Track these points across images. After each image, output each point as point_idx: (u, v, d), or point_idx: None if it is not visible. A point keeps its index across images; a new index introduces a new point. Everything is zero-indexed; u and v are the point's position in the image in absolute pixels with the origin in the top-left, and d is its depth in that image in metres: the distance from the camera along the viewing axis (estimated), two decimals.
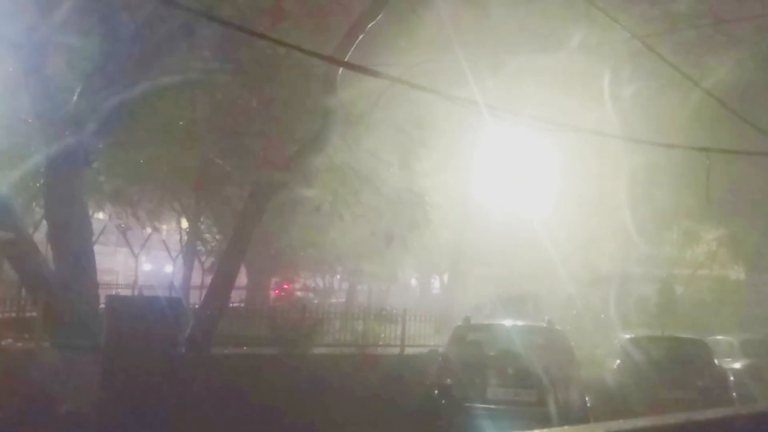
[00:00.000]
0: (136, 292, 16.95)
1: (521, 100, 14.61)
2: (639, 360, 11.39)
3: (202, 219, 18.47)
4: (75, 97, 10.91)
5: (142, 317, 10.06)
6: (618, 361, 11.92)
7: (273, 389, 10.50)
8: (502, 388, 8.98)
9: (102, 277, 21.53)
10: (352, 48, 11.39)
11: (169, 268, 23.32)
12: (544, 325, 10.40)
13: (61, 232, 10.74)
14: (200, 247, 19.65)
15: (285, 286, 25.32)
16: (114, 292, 14.39)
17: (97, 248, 21.72)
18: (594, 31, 12.64)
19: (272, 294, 22.92)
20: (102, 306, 11.08)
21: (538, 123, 10.25)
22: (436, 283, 34.12)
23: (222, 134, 14.39)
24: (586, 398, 9.29)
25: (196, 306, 13.05)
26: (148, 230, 20.32)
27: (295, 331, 12.44)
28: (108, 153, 13.05)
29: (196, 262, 19.08)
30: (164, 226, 23.76)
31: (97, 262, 11.54)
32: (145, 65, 11.43)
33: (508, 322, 10.38)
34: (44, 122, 10.61)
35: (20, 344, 10.40)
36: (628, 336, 12.76)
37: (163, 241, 21.29)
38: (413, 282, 36.45)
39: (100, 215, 19.53)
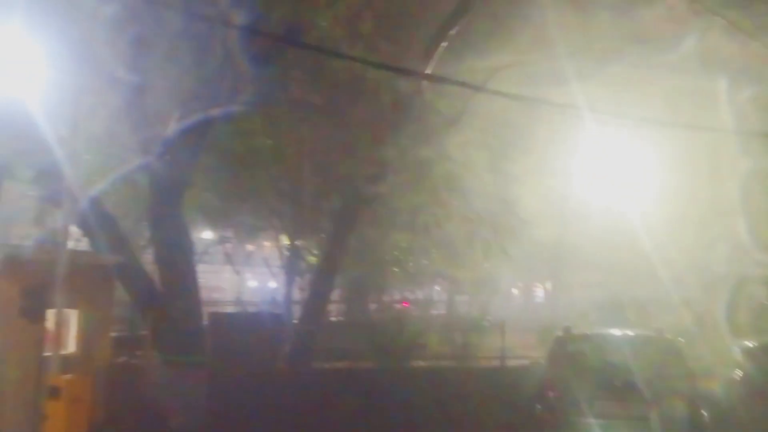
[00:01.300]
0: (239, 309, 17.47)
1: (621, 100, 13.97)
2: (764, 370, 10.50)
3: (300, 235, 18.82)
4: (172, 123, 11.44)
5: (243, 333, 10.34)
6: (739, 372, 11.03)
7: (372, 403, 10.48)
8: (610, 402, 8.48)
9: (210, 295, 22.52)
10: (436, 56, 11.34)
11: (272, 285, 23.97)
12: (654, 334, 9.76)
13: (166, 252, 11.24)
14: (300, 263, 20.02)
15: (404, 304, 25.38)
16: (218, 310, 14.87)
17: (204, 267, 22.68)
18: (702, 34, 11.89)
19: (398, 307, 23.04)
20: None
21: (643, 122, 9.78)
22: (539, 292, 33.30)
23: (314, 152, 14.67)
24: (703, 412, 8.61)
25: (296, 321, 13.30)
26: (250, 248, 20.94)
27: (393, 344, 12.41)
28: (207, 175, 13.57)
29: (297, 278, 19.45)
30: (266, 243, 24.46)
31: (204, 280, 12.00)
32: (238, 89, 11.84)
33: (613, 331, 9.82)
34: (145, 149, 11.17)
35: (133, 361, 10.93)
36: (750, 344, 11.79)
37: (265, 258, 21.89)
38: (515, 291, 35.69)
39: (206, 235, 20.37)
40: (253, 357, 10.23)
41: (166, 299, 11.00)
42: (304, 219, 17.23)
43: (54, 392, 8.47)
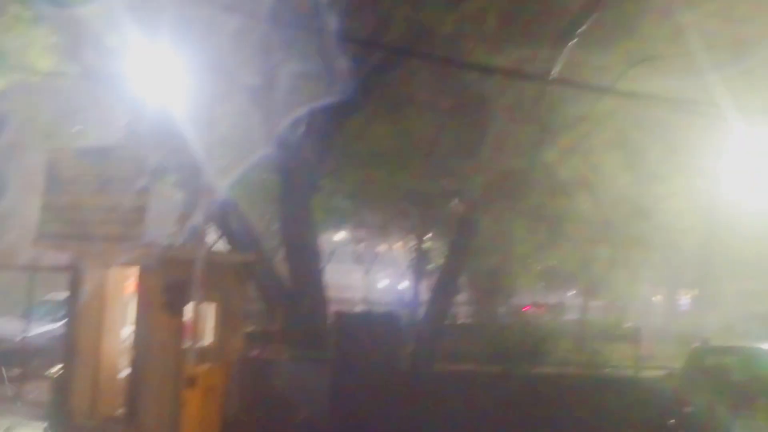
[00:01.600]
0: (365, 309, 17.84)
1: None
2: None
3: (426, 236, 18.97)
4: (301, 126, 11.93)
5: (366, 332, 10.56)
6: None
7: (495, 408, 10.31)
8: (749, 422, 7.79)
9: (341, 294, 23.21)
10: (564, 55, 10.98)
11: (402, 285, 24.30)
12: None
13: (295, 252, 11.72)
14: (427, 264, 20.19)
15: (528, 307, 24.89)
16: (343, 308, 15.24)
17: (336, 266, 23.43)
18: None
19: (524, 310, 22.68)
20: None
21: None
22: (684, 300, 31.15)
23: (440, 152, 14.70)
24: None
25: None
26: (381, 248, 21.35)
27: (518, 348, 12.13)
28: (336, 176, 14.01)
29: (425, 279, 19.61)
30: (399, 244, 24.86)
31: (336, 279, 12.39)
32: (364, 91, 12.13)
33: (758, 346, 8.99)
34: (275, 152, 11.71)
35: (265, 355, 11.49)
36: None
37: (392, 259, 22.24)
38: (658, 298, 33.62)
39: (338, 236, 21.08)
40: (376, 356, 10.40)
41: (294, 297, 11.47)
42: (431, 220, 17.35)
43: (191, 382, 9.09)
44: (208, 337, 10.49)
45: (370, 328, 10.77)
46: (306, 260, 11.75)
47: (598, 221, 14.97)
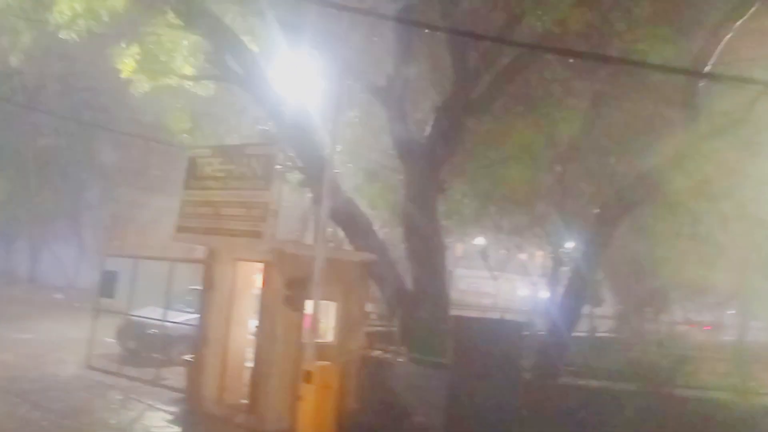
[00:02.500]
0: (486, 315, 17.32)
1: None
2: None
3: (563, 241, 18.10)
4: (428, 126, 11.78)
5: (486, 339, 10.19)
6: None
7: (626, 429, 9.55)
8: None
9: (470, 299, 22.87)
10: (716, 52, 10.00)
11: (536, 293, 23.46)
12: None
13: (418, 254, 11.59)
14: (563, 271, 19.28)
15: (692, 325, 23.13)
16: (465, 314, 14.89)
17: (467, 272, 23.06)
18: None
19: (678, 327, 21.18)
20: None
21: None
22: None
23: (580, 152, 13.96)
24: None
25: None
26: (514, 254, 20.70)
27: (660, 366, 11.20)
28: (465, 178, 13.70)
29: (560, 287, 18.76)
30: (534, 250, 24.04)
31: (466, 284, 12.12)
32: (495, 89, 11.78)
33: None
34: (403, 154, 11.65)
35: (386, 355, 11.45)
36: None
37: (526, 265, 21.48)
38: None
39: (469, 240, 20.70)
40: (496, 364, 10.02)
41: (415, 299, 11.34)
42: (568, 224, 16.51)
43: (308, 377, 9.22)
44: (328, 335, 10.64)
45: (490, 335, 10.39)
46: (429, 263, 11.58)
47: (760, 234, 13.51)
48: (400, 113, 11.63)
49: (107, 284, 13.29)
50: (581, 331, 16.49)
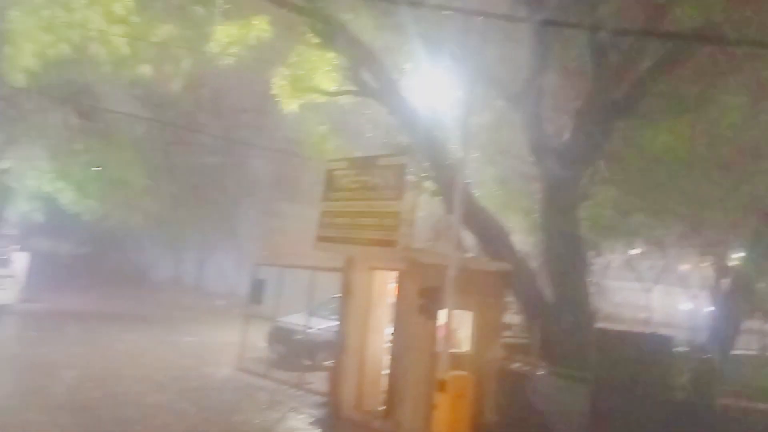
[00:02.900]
0: (632, 328, 16.23)
1: None
2: None
3: (725, 252, 16.62)
4: (567, 131, 11.35)
5: (633, 354, 9.61)
6: None
7: None
8: None
9: (634, 314, 21.58)
10: None
11: (694, 306, 21.71)
12: None
13: (556, 263, 11.18)
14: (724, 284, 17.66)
15: None
16: (610, 326, 14.02)
17: (629, 284, 21.77)
18: None
19: None
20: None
21: None
22: None
23: (741, 155, 12.79)
24: None
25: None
26: (669, 264, 19.33)
27: None
28: (609, 184, 13.05)
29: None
30: (693, 261, 22.30)
31: (630, 298, 11.51)
32: (638, 92, 11.13)
33: None
34: (540, 160, 11.31)
35: (525, 368, 11.13)
36: None
37: (686, 277, 19.95)
38: None
39: (631, 250, 19.58)
40: (643, 380, 9.41)
41: (555, 310, 10.94)
42: (728, 233, 15.18)
43: (442, 386, 9.18)
44: (464, 345, 10.53)
45: (637, 350, 9.78)
46: (568, 273, 11.13)
47: None
48: (536, 118, 11.32)
49: (256, 291, 14.07)
50: (746, 348, 15.03)
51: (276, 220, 28.01)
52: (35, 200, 23.59)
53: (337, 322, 11.69)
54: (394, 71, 12.09)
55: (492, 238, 11.30)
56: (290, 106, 13.16)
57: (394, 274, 10.52)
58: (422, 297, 9.86)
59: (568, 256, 11.25)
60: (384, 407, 10.34)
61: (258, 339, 14.58)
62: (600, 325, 12.38)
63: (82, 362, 13.20)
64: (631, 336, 11.31)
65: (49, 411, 9.35)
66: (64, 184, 22.68)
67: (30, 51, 10.05)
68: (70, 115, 20.06)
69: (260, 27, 12.52)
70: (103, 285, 28.16)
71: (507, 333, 11.88)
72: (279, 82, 12.68)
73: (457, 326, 10.33)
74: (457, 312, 9.76)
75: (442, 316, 9.66)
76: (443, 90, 11.44)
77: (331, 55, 12.39)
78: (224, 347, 15.47)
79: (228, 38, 12.51)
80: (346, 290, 11.28)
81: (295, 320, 14.13)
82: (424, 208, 12.11)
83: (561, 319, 10.75)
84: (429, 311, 9.89)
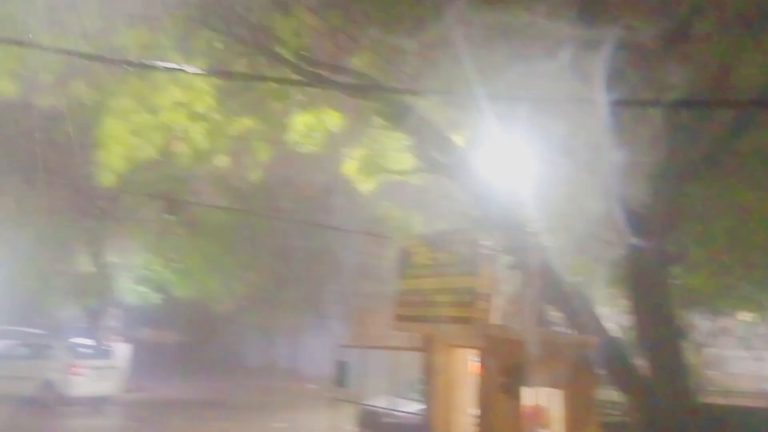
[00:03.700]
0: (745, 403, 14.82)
1: None
2: None
3: None
4: (650, 192, 10.91)
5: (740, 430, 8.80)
6: None
7: None
8: None
9: (759, 386, 19.79)
10: None
11: None
12: None
13: (648, 334, 10.52)
14: None
15: None
16: (720, 400, 12.87)
17: (733, 352, 20.11)
18: None
19: None
20: None
21: None
22: None
23: None
24: None
25: None
26: None
27: None
28: (703, 244, 12.34)
29: None
30: None
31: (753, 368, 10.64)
32: (717, 151, 10.64)
33: None
34: (621, 226, 10.88)
35: None
36: None
37: None
38: None
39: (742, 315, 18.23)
40: None
41: (650, 384, 10.22)
42: None
43: None
44: (554, 425, 9.98)
45: (747, 426, 8.95)
46: (662, 343, 10.42)
47: None
48: (612, 185, 10.97)
49: (341, 374, 14.02)
50: None
51: (361, 300, 28.17)
52: (135, 291, 24.94)
53: (422, 405, 11.41)
54: (463, 146, 12.15)
55: (576, 309, 10.82)
56: (365, 186, 13.42)
57: (475, 352, 10.23)
58: (504, 375, 9.50)
59: (659, 324, 10.58)
60: None
61: (346, 423, 14.40)
62: (707, 399, 11.48)
63: None
64: (739, 411, 10.39)
65: None
66: (161, 275, 23.93)
67: (120, 154, 10.80)
68: (160, 210, 21.34)
69: (332, 115, 12.98)
70: (202, 372, 28.92)
71: (601, 411, 11.18)
72: (352, 164, 13.00)
73: (546, 405, 9.84)
74: (544, 390, 9.32)
75: (528, 394, 9.26)
76: (515, 162, 11.34)
77: (399, 135, 12.63)
78: None
79: (303, 127, 13.01)
80: (428, 370, 11.03)
81: (383, 403, 13.92)
82: (502, 282, 11.84)
83: (658, 394, 10.01)
84: (512, 390, 9.49)
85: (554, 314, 11.49)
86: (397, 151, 13.03)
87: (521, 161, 11.80)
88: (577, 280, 11.12)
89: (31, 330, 27.82)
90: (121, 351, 24.89)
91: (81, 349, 21.33)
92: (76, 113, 12.91)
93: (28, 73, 10.07)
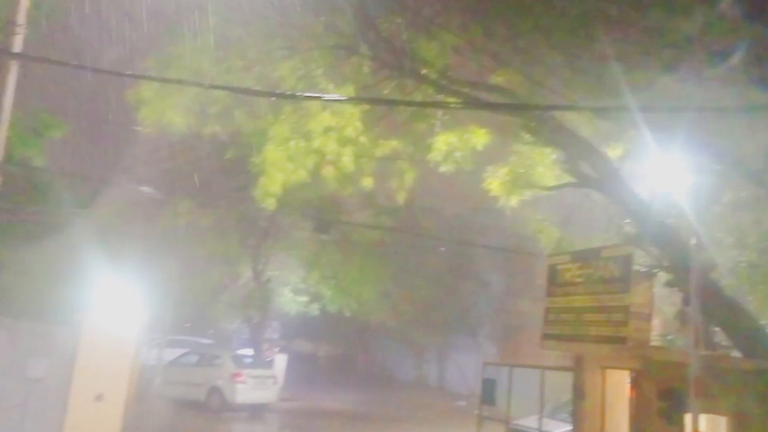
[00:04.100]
0: None
1: None
2: None
3: None
4: None
5: None
6: None
7: None
8: None
9: None
10: None
11: None
12: None
13: None
14: None
15: None
16: None
17: None
18: None
19: None
20: None
21: None
22: None
23: None
24: None
25: None
26: None
27: None
28: None
29: None
30: None
31: None
32: None
33: None
34: None
35: None
36: None
37: None
38: None
39: None
40: None
41: None
42: None
43: None
44: None
45: None
46: None
47: None
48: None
49: (488, 392, 13.89)
50: None
51: (509, 318, 27.76)
52: (293, 305, 26.36)
53: (572, 426, 11.05)
54: (615, 159, 11.72)
55: (743, 331, 10.00)
56: (511, 203, 13.29)
57: (629, 374, 9.78)
58: (662, 399, 8.99)
59: None
60: None
61: None
62: None
63: None
64: None
65: None
66: (316, 290, 25.14)
67: (279, 179, 11.55)
68: (313, 229, 22.45)
69: (477, 133, 13.02)
70: (353, 385, 29.82)
71: None
72: (498, 181, 12.94)
73: None
74: (705, 417, 8.70)
75: (689, 421, 8.68)
76: (673, 173, 10.75)
77: (547, 150, 12.42)
78: None
79: (447, 147, 13.15)
80: (578, 391, 10.69)
81: (531, 423, 13.59)
82: (660, 301, 11.22)
83: None
84: (671, 415, 8.95)
85: (720, 336, 10.70)
86: (546, 166, 12.82)
87: (681, 173, 11.18)
88: (747, 299, 10.30)
89: (202, 340, 30.27)
90: (279, 361, 26.35)
91: (244, 359, 22.82)
92: (239, 142, 14.02)
93: (198, 108, 11.10)
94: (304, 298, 25.61)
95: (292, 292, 25.80)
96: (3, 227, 9.68)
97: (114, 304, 8.61)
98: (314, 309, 25.49)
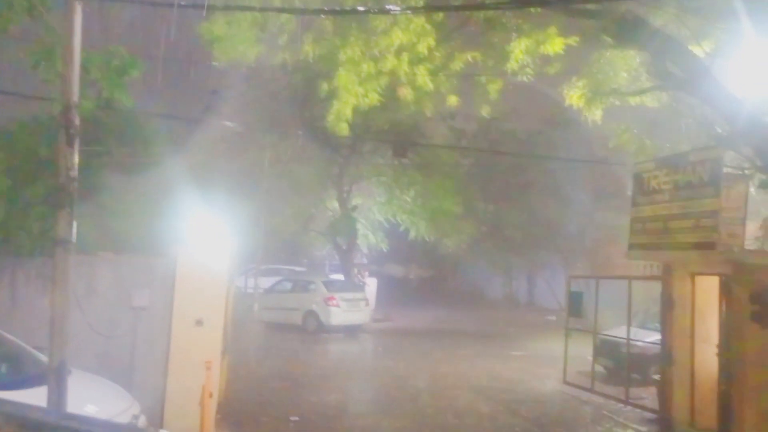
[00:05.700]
0: None
1: None
2: None
3: None
4: None
5: None
6: None
7: None
8: None
9: None
10: None
11: None
12: None
13: None
14: None
15: None
16: None
17: None
18: None
19: None
20: None
21: None
22: None
23: None
24: None
25: None
26: None
27: None
28: None
29: None
30: None
31: None
32: None
33: None
34: None
35: None
36: None
37: None
38: None
39: None
40: None
41: None
42: None
43: None
44: None
45: None
46: None
47: None
48: None
49: (574, 305, 13.83)
50: None
51: (596, 232, 27.19)
52: (379, 231, 26.86)
53: (661, 335, 10.92)
54: (706, 58, 10.99)
55: None
56: (594, 115, 12.80)
57: (720, 279, 9.49)
58: (755, 303, 8.71)
59: None
60: (718, 424, 9.32)
61: (583, 353, 14.29)
62: None
63: (419, 374, 14.53)
64: None
65: (394, 416, 10.53)
66: (399, 216, 25.47)
67: (351, 103, 11.56)
68: (391, 153, 22.53)
69: (554, 39, 12.47)
70: (443, 305, 30.37)
71: None
72: (578, 91, 12.44)
73: None
74: None
75: None
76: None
77: (630, 53, 11.79)
78: (551, 361, 15.50)
79: (524, 55, 12.66)
80: (667, 300, 10.50)
81: (621, 333, 13.51)
82: (752, 203, 10.69)
83: None
84: (764, 319, 8.68)
85: None
86: (627, 71, 12.20)
87: None
88: None
89: (295, 268, 31.53)
90: (370, 285, 27.16)
91: (336, 284, 23.66)
92: (310, 69, 14.03)
93: (267, 36, 11.15)
94: (385, 228, 26.15)
95: (375, 221, 26.33)
96: (101, 170, 10.28)
97: (207, 237, 9.09)
98: (398, 236, 25.90)
